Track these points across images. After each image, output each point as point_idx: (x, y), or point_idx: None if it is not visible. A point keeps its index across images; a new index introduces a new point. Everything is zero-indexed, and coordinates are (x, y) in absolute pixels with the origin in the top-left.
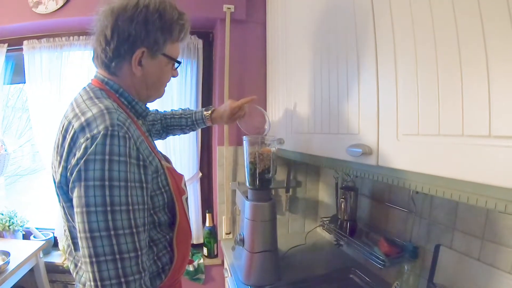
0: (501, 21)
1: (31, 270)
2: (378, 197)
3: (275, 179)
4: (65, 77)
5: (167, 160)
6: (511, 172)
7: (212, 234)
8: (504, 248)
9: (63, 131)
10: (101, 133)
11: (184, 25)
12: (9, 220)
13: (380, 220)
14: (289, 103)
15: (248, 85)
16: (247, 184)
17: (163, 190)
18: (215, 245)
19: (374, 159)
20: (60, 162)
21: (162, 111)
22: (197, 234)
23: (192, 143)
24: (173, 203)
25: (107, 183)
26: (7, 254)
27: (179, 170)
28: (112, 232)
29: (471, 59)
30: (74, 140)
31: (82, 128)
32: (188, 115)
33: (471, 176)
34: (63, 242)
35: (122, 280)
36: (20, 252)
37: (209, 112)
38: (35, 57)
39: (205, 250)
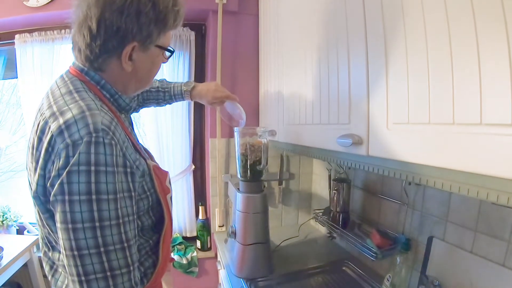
0: (491, 8)
1: (25, 265)
2: (370, 189)
3: (267, 171)
4: (58, 71)
5: (149, 155)
6: (503, 161)
7: (205, 227)
8: (497, 241)
9: (38, 131)
10: (84, 140)
11: (180, 10)
12: (3, 215)
13: (373, 212)
14: (281, 95)
15: (240, 77)
16: (239, 176)
17: (148, 193)
18: (209, 238)
19: (364, 149)
20: (36, 169)
21: None
22: (190, 227)
23: (185, 135)
24: (159, 205)
25: (94, 197)
26: (0, 249)
27: (171, 163)
28: (102, 249)
29: (461, 46)
30: (51, 144)
31: (60, 132)
32: (166, 89)
33: (463, 165)
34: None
35: (108, 273)
36: (14, 247)
37: (190, 88)
38: (27, 51)
39: (198, 243)
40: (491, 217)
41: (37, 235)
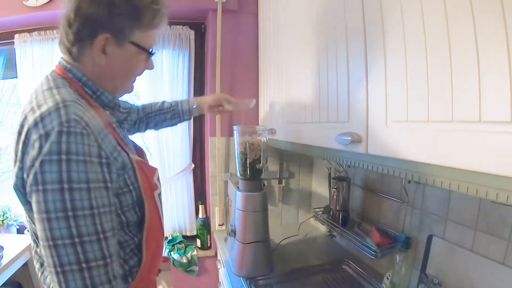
0: (490, 6)
1: (25, 265)
2: (370, 187)
3: (266, 169)
4: None
5: (139, 153)
6: (502, 159)
7: (205, 225)
8: (497, 239)
9: (18, 127)
10: (55, 129)
11: (159, 10)
12: (3, 215)
13: (373, 211)
14: (281, 93)
15: (240, 75)
16: (238, 175)
17: (131, 187)
18: (208, 236)
19: (363, 147)
20: (15, 162)
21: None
22: (190, 226)
23: (185, 134)
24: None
25: (66, 186)
26: (0, 248)
27: (171, 162)
28: (77, 240)
29: (460, 44)
30: (28, 137)
31: (35, 124)
32: (174, 107)
33: (462, 163)
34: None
35: (84, 265)
36: (14, 246)
37: (195, 100)
38: (27, 50)
39: (198, 242)
40: (491, 215)
41: None
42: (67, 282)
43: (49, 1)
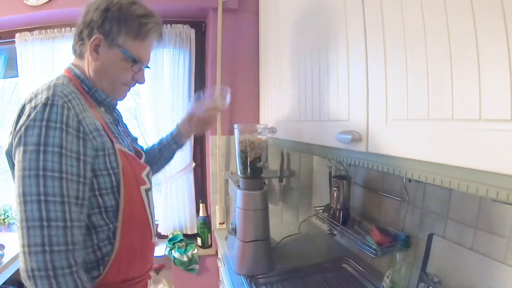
0: (490, 4)
1: None
2: (371, 186)
3: (267, 168)
4: (58, 69)
5: (138, 154)
6: (502, 157)
7: (205, 224)
8: (497, 238)
9: (19, 111)
10: (42, 102)
11: (147, 23)
12: (4, 214)
13: (373, 209)
14: (281, 92)
15: (240, 74)
16: (239, 173)
17: (111, 171)
18: (209, 235)
19: (364, 145)
20: (11, 133)
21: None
22: (190, 225)
23: None
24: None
25: (42, 148)
26: (1, 247)
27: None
28: (42, 198)
29: (460, 42)
30: (22, 111)
31: (30, 100)
32: (162, 144)
33: (462, 161)
34: None
35: (47, 248)
36: (15, 245)
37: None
38: (28, 49)
39: (199, 241)
40: (491, 214)
41: None
42: (28, 237)
43: (49, 0)
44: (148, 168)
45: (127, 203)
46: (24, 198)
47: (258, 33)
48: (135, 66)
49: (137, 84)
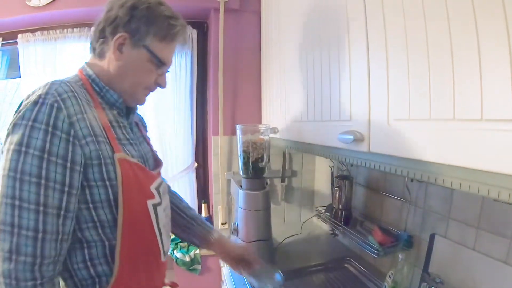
0: (491, 5)
1: None
2: (373, 186)
3: (269, 168)
4: (60, 70)
5: (157, 163)
6: (504, 157)
7: None
8: (499, 238)
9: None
10: (33, 100)
11: (175, 25)
12: None
13: (375, 209)
14: (283, 92)
15: (242, 74)
16: (241, 173)
17: (107, 182)
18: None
19: (365, 145)
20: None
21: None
22: None
23: (187, 133)
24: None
25: (23, 149)
26: None
27: (174, 161)
28: (17, 202)
29: (462, 42)
30: (19, 107)
31: (27, 97)
32: (194, 220)
33: (464, 161)
34: None
35: (14, 257)
36: None
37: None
38: (30, 50)
39: None
40: (493, 214)
41: None
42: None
43: (51, 1)
44: (159, 180)
45: (127, 219)
46: (1, 199)
47: (260, 33)
48: (160, 68)
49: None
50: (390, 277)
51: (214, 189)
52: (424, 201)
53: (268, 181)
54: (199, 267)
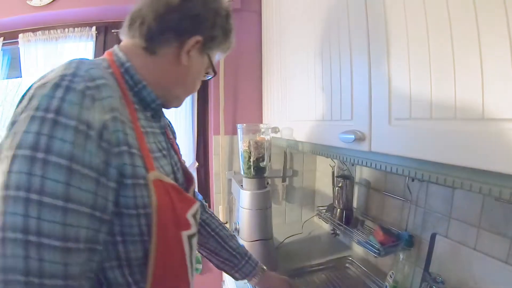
0: (493, 5)
1: None
2: (374, 186)
3: (270, 167)
4: None
5: (189, 179)
6: (505, 156)
7: None
8: (500, 238)
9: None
10: (53, 81)
11: (232, 42)
12: None
13: (376, 209)
14: (284, 91)
15: (243, 73)
16: (242, 173)
17: (141, 211)
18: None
19: (367, 145)
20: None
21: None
22: None
23: (188, 132)
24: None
25: (41, 155)
26: None
27: None
28: (33, 238)
29: (463, 41)
30: (27, 90)
31: (40, 78)
32: (236, 257)
33: (465, 161)
34: None
35: None
36: None
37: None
38: (31, 50)
39: None
40: (494, 213)
41: None
42: None
43: (53, 1)
44: (197, 205)
45: (160, 257)
46: (4, 233)
47: (261, 33)
48: (208, 77)
49: None
50: (391, 277)
51: (215, 188)
52: (425, 200)
53: (269, 180)
54: (200, 266)
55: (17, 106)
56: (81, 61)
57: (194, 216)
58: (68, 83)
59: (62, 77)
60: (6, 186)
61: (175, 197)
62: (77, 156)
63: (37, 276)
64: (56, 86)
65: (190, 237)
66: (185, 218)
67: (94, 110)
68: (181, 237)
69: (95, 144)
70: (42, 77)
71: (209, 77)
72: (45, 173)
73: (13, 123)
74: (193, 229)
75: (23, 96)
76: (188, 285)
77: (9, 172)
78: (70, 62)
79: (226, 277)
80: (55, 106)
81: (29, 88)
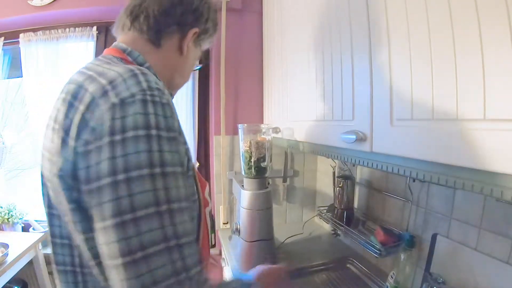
0: (494, 5)
1: (30, 262)
2: (375, 186)
3: (271, 168)
4: (62, 70)
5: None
6: (506, 156)
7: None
8: (502, 238)
9: (68, 98)
10: (137, 98)
11: (215, 36)
12: (8, 213)
13: (377, 209)
14: (285, 92)
15: (244, 74)
16: (243, 173)
17: (196, 197)
18: (213, 235)
19: (368, 145)
20: (63, 140)
21: None
22: None
23: (189, 133)
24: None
25: (158, 170)
26: (5, 246)
27: None
28: (173, 243)
29: (464, 41)
30: (91, 108)
31: (104, 92)
32: None
33: (466, 162)
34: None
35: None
36: (19, 244)
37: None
38: (32, 50)
39: None
40: (495, 214)
41: (42, 232)
42: None
43: (53, 1)
44: (208, 185)
45: (203, 233)
46: (145, 252)
47: (262, 33)
48: (196, 67)
49: None
50: (392, 277)
51: (216, 188)
52: (426, 201)
53: (270, 180)
54: None
55: (66, 115)
56: (143, 73)
57: (209, 194)
58: (151, 98)
59: (144, 93)
60: (132, 208)
61: (199, 179)
62: (181, 162)
63: (175, 237)
64: (144, 102)
65: (209, 212)
66: (205, 197)
67: (176, 118)
68: (206, 214)
69: (182, 145)
70: (108, 90)
71: (198, 67)
72: (167, 183)
73: (76, 136)
74: (210, 205)
75: (70, 104)
76: (209, 254)
77: (131, 195)
78: (132, 75)
79: (227, 277)
80: (154, 121)
81: (84, 99)
